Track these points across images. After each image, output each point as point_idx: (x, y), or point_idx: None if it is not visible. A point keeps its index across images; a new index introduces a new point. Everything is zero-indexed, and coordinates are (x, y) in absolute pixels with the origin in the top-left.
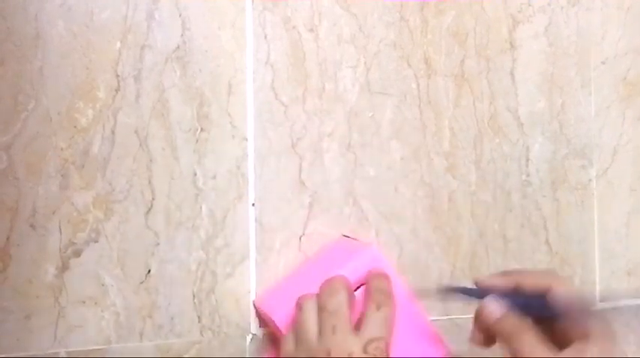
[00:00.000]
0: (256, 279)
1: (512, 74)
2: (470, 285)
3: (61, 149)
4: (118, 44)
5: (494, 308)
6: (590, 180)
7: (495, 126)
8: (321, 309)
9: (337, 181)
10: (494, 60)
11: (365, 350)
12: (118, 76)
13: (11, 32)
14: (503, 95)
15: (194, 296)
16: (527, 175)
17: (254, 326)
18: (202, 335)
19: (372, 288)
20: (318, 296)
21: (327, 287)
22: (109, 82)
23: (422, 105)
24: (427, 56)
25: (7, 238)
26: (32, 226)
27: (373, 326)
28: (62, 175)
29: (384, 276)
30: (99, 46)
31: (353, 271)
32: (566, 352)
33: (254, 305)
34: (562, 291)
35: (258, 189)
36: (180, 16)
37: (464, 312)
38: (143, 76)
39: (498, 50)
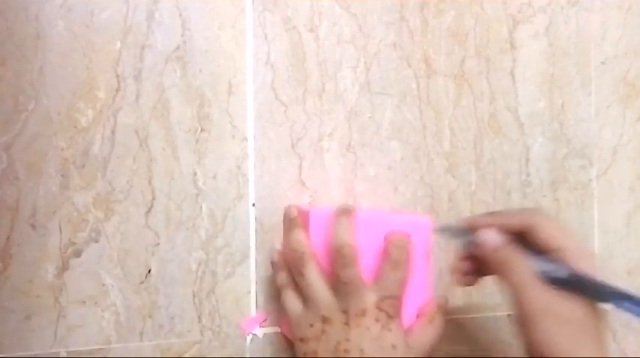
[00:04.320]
0: (256, 279)
1: (512, 74)
2: (459, 225)
3: (62, 149)
4: (118, 44)
5: (493, 237)
6: (590, 179)
7: (495, 126)
8: (339, 251)
9: (337, 181)
10: (494, 60)
11: (379, 308)
12: (118, 76)
13: (12, 32)
14: (503, 95)
15: (194, 296)
16: (527, 175)
17: None
18: (202, 335)
19: (392, 245)
20: (333, 265)
21: (340, 256)
22: (109, 82)
23: (422, 105)
24: (427, 56)
25: (8, 238)
26: (32, 226)
27: (389, 284)
28: (62, 175)
29: (406, 236)
30: (99, 46)
31: (398, 223)
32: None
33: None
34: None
35: (258, 189)
36: (180, 16)
37: (465, 312)
38: (143, 76)
39: (498, 50)
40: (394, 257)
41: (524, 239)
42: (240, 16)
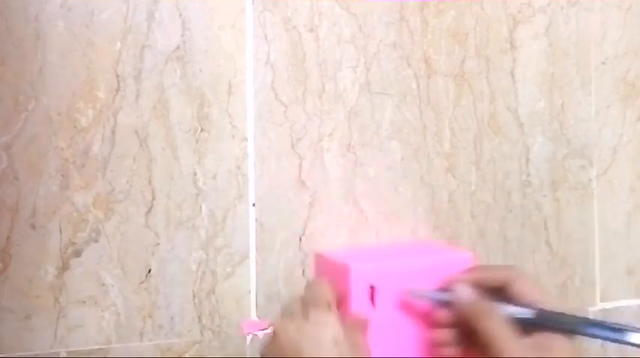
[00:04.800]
0: (256, 279)
1: (512, 74)
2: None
3: (61, 149)
4: (118, 44)
5: (466, 293)
6: (590, 180)
7: (495, 126)
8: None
9: (337, 181)
10: (494, 60)
11: (302, 307)
12: (118, 76)
13: (12, 33)
14: (503, 95)
15: (194, 296)
16: (527, 175)
17: None
18: (202, 335)
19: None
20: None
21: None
22: (109, 82)
23: (422, 105)
24: (427, 56)
25: (8, 238)
26: (32, 226)
27: (307, 296)
28: (62, 175)
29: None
30: (99, 46)
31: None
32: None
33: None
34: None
35: (258, 189)
36: (180, 16)
37: None
38: (143, 76)
39: (498, 50)
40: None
41: (500, 294)
42: (240, 16)
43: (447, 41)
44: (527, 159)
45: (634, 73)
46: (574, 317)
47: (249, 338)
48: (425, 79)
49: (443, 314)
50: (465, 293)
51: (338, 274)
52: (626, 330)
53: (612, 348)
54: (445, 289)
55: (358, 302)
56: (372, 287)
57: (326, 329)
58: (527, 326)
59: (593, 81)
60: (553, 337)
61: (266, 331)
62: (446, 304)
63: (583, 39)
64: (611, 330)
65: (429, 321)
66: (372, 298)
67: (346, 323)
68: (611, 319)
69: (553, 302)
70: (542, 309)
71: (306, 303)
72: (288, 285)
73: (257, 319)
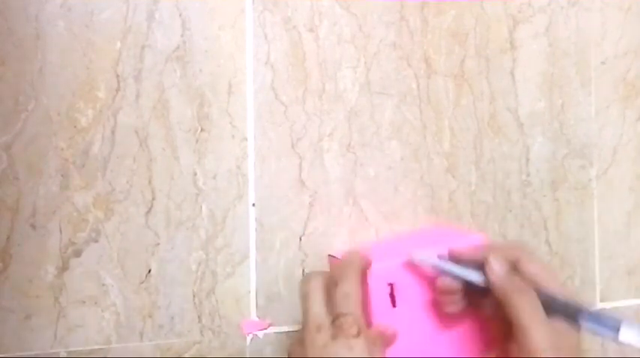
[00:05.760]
0: (256, 279)
1: (512, 74)
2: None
3: (61, 149)
4: (118, 44)
5: (499, 267)
6: (590, 180)
7: (495, 126)
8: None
9: (337, 181)
10: (494, 60)
11: (334, 325)
12: (118, 76)
13: (12, 32)
14: (503, 95)
15: (194, 296)
16: (527, 175)
17: None
18: (202, 335)
19: (332, 268)
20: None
21: (305, 276)
22: (109, 82)
23: (422, 105)
24: (427, 56)
25: (8, 238)
26: (32, 226)
27: (336, 304)
28: (62, 175)
29: (352, 253)
30: (99, 46)
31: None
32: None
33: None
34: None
35: (258, 189)
36: (180, 16)
37: None
38: (143, 76)
39: (498, 50)
40: (334, 274)
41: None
42: (240, 16)
43: (447, 41)
44: (527, 159)
45: (634, 73)
46: (575, 306)
47: (249, 338)
48: (425, 79)
49: (453, 285)
50: (498, 267)
51: None
52: (620, 328)
53: (612, 348)
54: (456, 260)
55: (378, 303)
56: (390, 285)
57: (352, 352)
58: None
59: (593, 81)
60: (566, 326)
61: (266, 331)
62: (454, 274)
63: (583, 39)
64: (607, 327)
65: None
66: (392, 297)
67: (370, 335)
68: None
69: (559, 286)
70: (546, 293)
71: (335, 302)
72: (288, 285)
73: (257, 319)
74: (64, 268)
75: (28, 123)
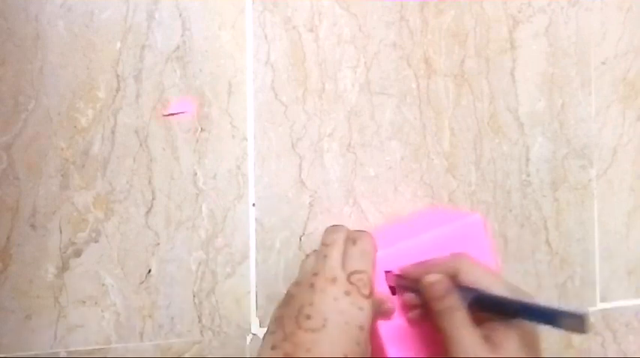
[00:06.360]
0: (256, 279)
1: (512, 74)
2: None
3: (61, 149)
4: (118, 44)
5: (440, 287)
6: (590, 180)
7: (495, 126)
8: (321, 243)
9: (337, 181)
10: (494, 60)
11: (349, 280)
12: (118, 76)
13: (12, 32)
14: (503, 95)
15: (194, 296)
16: (527, 175)
17: (254, 326)
18: (202, 335)
19: (349, 231)
20: (324, 233)
21: (330, 227)
22: (109, 82)
23: (422, 105)
24: (427, 56)
25: (8, 238)
26: (32, 226)
27: (353, 260)
28: (62, 175)
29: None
30: (99, 46)
31: (450, 233)
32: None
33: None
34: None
35: (258, 189)
36: (180, 16)
37: None
38: (143, 76)
39: (498, 50)
40: (353, 235)
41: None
42: (240, 16)
43: (447, 41)
44: (527, 159)
45: (634, 73)
46: (512, 301)
47: (249, 338)
48: (425, 79)
49: (413, 300)
50: (429, 287)
51: None
52: (560, 316)
53: (612, 349)
54: (405, 278)
55: (378, 289)
56: (387, 273)
57: (361, 313)
58: (476, 311)
59: (593, 81)
60: (501, 329)
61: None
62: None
63: (583, 39)
64: (547, 317)
65: None
66: (391, 286)
67: (375, 300)
68: (612, 319)
69: (503, 286)
70: (484, 294)
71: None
72: (288, 285)
73: (256, 318)
74: (64, 268)
75: (28, 123)
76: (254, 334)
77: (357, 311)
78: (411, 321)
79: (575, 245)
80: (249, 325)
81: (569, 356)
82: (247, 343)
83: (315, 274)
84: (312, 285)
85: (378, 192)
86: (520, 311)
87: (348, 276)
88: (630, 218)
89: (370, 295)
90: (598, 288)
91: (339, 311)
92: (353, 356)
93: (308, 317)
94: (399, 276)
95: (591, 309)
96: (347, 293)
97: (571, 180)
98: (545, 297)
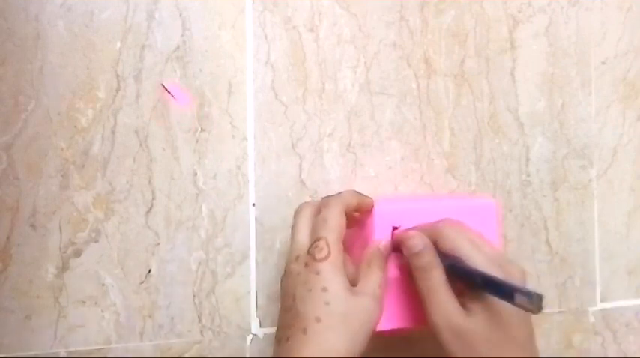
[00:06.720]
0: (256, 279)
1: (512, 74)
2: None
3: (61, 149)
4: (118, 44)
5: (418, 242)
6: (590, 180)
7: (495, 126)
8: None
9: (337, 181)
10: (494, 60)
11: (308, 253)
12: (118, 76)
13: (12, 32)
14: (503, 95)
15: (194, 296)
16: (527, 175)
17: (254, 326)
18: (202, 335)
19: (319, 202)
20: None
21: (297, 208)
22: (109, 82)
23: (422, 105)
24: (427, 56)
25: (8, 238)
26: (32, 226)
27: (315, 231)
28: (62, 175)
29: (345, 191)
30: (99, 46)
31: (460, 209)
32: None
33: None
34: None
35: (258, 189)
36: (180, 16)
37: None
38: (143, 76)
39: (498, 50)
40: (320, 204)
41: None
42: (240, 16)
43: (447, 41)
44: (527, 159)
45: (634, 73)
46: (475, 273)
47: (249, 338)
48: (425, 79)
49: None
50: (417, 242)
51: (360, 221)
52: (515, 292)
53: (612, 349)
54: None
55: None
56: (395, 229)
57: (318, 277)
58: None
59: (593, 81)
60: (477, 299)
61: (266, 331)
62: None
63: (583, 39)
64: (504, 292)
65: None
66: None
67: (339, 260)
68: (612, 319)
69: (482, 257)
70: (454, 263)
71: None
72: None
73: (256, 318)
74: (64, 268)
75: (28, 123)
76: (254, 334)
77: (314, 276)
78: (396, 280)
79: (575, 245)
80: (249, 325)
81: (569, 356)
82: (247, 343)
83: (287, 262)
84: (284, 272)
85: (378, 192)
86: (482, 283)
87: (309, 249)
88: (630, 218)
89: (327, 256)
90: (598, 288)
91: (302, 283)
92: (324, 315)
93: (284, 300)
94: (393, 235)
95: (591, 309)
96: (306, 265)
97: (571, 180)
98: (545, 297)
